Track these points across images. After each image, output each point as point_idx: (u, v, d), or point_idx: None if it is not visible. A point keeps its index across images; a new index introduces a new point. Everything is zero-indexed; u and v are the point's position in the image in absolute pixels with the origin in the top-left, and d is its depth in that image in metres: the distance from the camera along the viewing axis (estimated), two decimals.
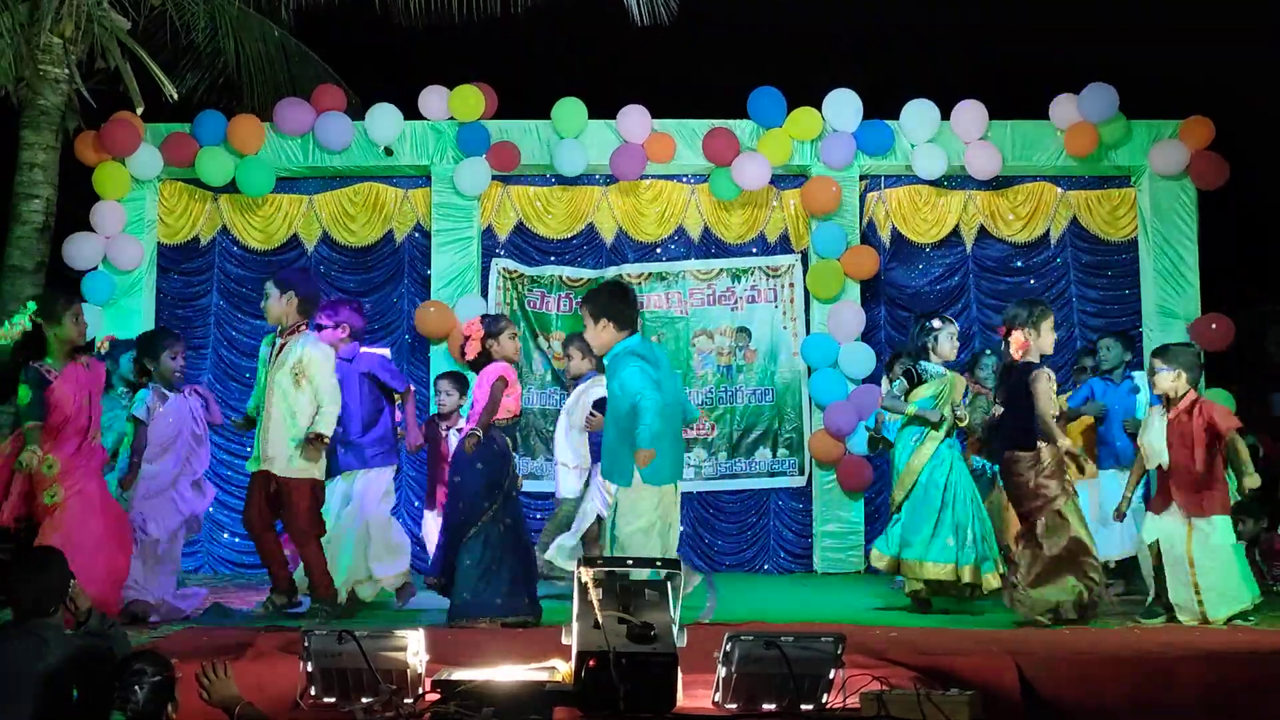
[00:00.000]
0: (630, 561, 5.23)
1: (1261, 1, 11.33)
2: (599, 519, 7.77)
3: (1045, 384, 6.68)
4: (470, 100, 9.84)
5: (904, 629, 6.34)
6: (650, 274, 10.20)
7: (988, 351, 8.76)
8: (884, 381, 8.13)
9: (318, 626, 4.93)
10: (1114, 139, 9.85)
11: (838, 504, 9.84)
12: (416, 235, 10.22)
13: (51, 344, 6.41)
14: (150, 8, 9.62)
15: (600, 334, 6.36)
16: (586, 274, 10.16)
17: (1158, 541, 6.87)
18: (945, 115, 9.90)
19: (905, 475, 7.46)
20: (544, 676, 4.85)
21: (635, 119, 9.83)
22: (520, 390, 6.96)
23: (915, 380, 7.46)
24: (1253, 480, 6.75)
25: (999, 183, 10.19)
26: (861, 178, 10.10)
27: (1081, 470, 6.94)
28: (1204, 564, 6.66)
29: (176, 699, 4.10)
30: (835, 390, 9.69)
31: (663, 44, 10.51)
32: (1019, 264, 10.27)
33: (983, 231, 10.28)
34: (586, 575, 4.71)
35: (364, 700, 4.65)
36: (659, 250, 10.29)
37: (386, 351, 7.70)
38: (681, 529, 7.62)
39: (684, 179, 10.26)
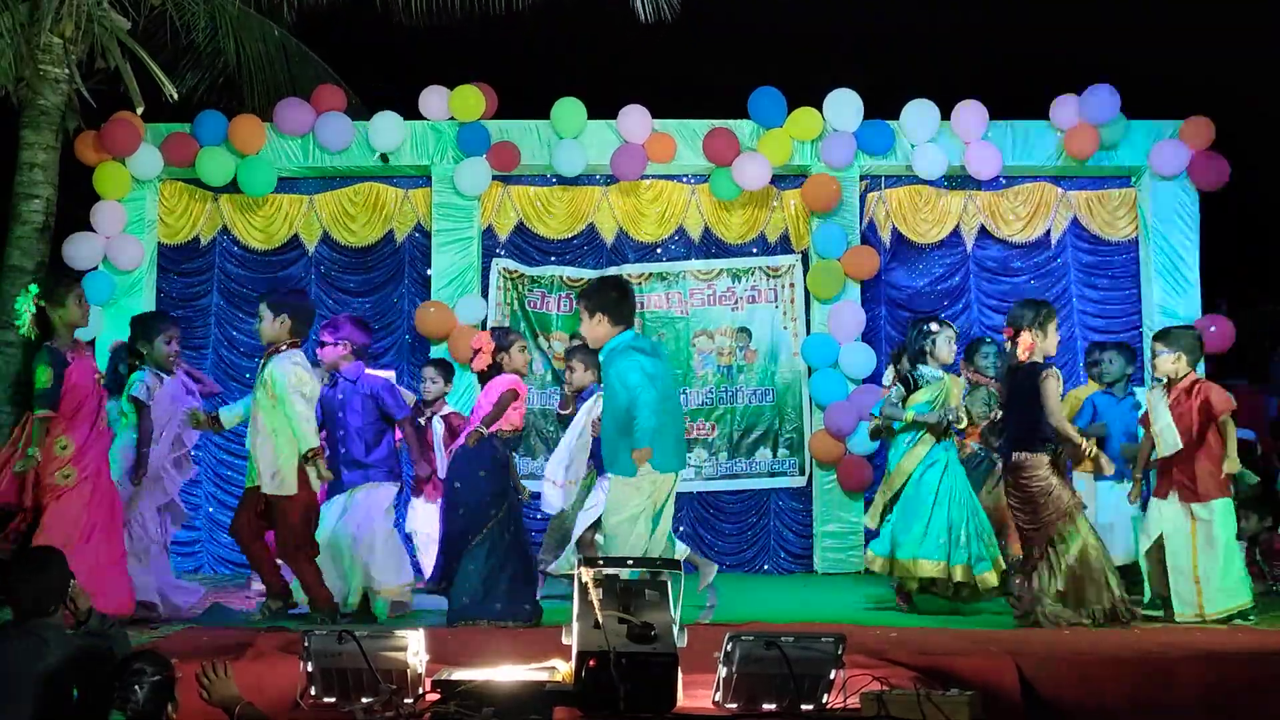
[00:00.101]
0: (630, 561, 5.24)
1: (1261, 1, 11.33)
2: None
3: (1054, 384, 6.67)
4: (470, 100, 9.84)
5: (904, 629, 6.34)
6: (650, 274, 10.20)
7: (986, 339, 8.74)
8: (888, 372, 8.09)
9: (318, 627, 4.93)
10: (1114, 140, 9.85)
11: (838, 504, 9.84)
12: (417, 235, 10.22)
13: (56, 326, 6.44)
14: (150, 8, 9.61)
15: (595, 328, 6.40)
16: (587, 274, 10.15)
17: (1161, 535, 6.90)
18: (946, 115, 9.90)
19: (895, 476, 7.48)
20: (544, 676, 4.85)
21: (636, 119, 9.83)
22: (524, 408, 7.00)
23: (911, 386, 7.46)
24: (1231, 465, 6.79)
25: (999, 183, 10.18)
26: (862, 178, 10.10)
27: (1102, 469, 6.95)
28: (1206, 555, 6.70)
29: (176, 699, 4.10)
30: (835, 390, 9.69)
31: (663, 44, 10.52)
32: (1019, 264, 10.26)
33: (983, 231, 10.27)
34: (587, 575, 4.71)
35: (364, 700, 4.65)
36: (659, 250, 10.29)
37: (391, 375, 7.62)
38: (681, 529, 7.64)
39: (684, 179, 10.26)
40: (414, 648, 4.71)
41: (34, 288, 6.55)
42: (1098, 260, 10.24)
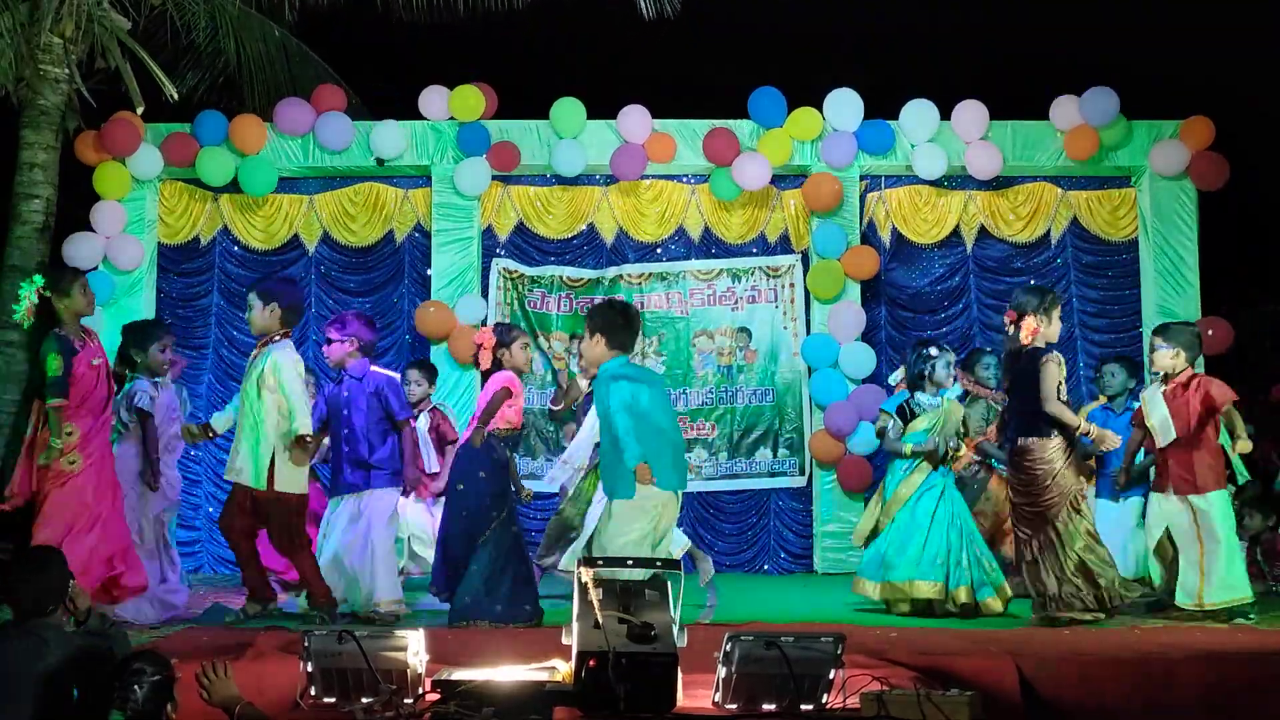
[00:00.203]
0: (630, 562, 5.24)
1: (1261, 1, 11.33)
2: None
3: (1054, 368, 6.66)
4: (470, 100, 9.84)
5: (904, 629, 6.35)
6: (650, 274, 10.20)
7: (986, 349, 8.74)
8: (898, 372, 8.06)
9: (318, 627, 4.93)
10: (1114, 140, 9.85)
11: (838, 504, 9.83)
12: (417, 235, 10.22)
13: (63, 316, 6.47)
14: (150, 8, 9.60)
15: (592, 348, 6.42)
16: (587, 274, 10.16)
17: (1167, 531, 6.92)
18: (946, 115, 9.90)
19: (891, 503, 7.42)
20: (544, 676, 4.85)
21: (635, 119, 9.83)
22: (523, 405, 6.94)
23: (909, 417, 7.46)
24: (1244, 445, 6.80)
25: (999, 183, 10.18)
26: (862, 178, 10.10)
27: (1103, 443, 6.92)
28: (1209, 547, 6.73)
29: (176, 699, 4.10)
30: (836, 390, 9.69)
31: (663, 44, 10.52)
32: (1019, 264, 10.26)
33: (983, 232, 10.27)
34: (587, 575, 4.71)
35: (364, 700, 4.65)
36: (659, 250, 10.28)
37: (396, 375, 7.55)
38: (682, 529, 7.62)
39: (684, 179, 10.26)
40: (414, 648, 4.71)
41: (38, 278, 6.58)
42: (1098, 260, 10.24)
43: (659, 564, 5.24)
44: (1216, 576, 6.72)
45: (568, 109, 9.85)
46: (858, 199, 10.04)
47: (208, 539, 9.92)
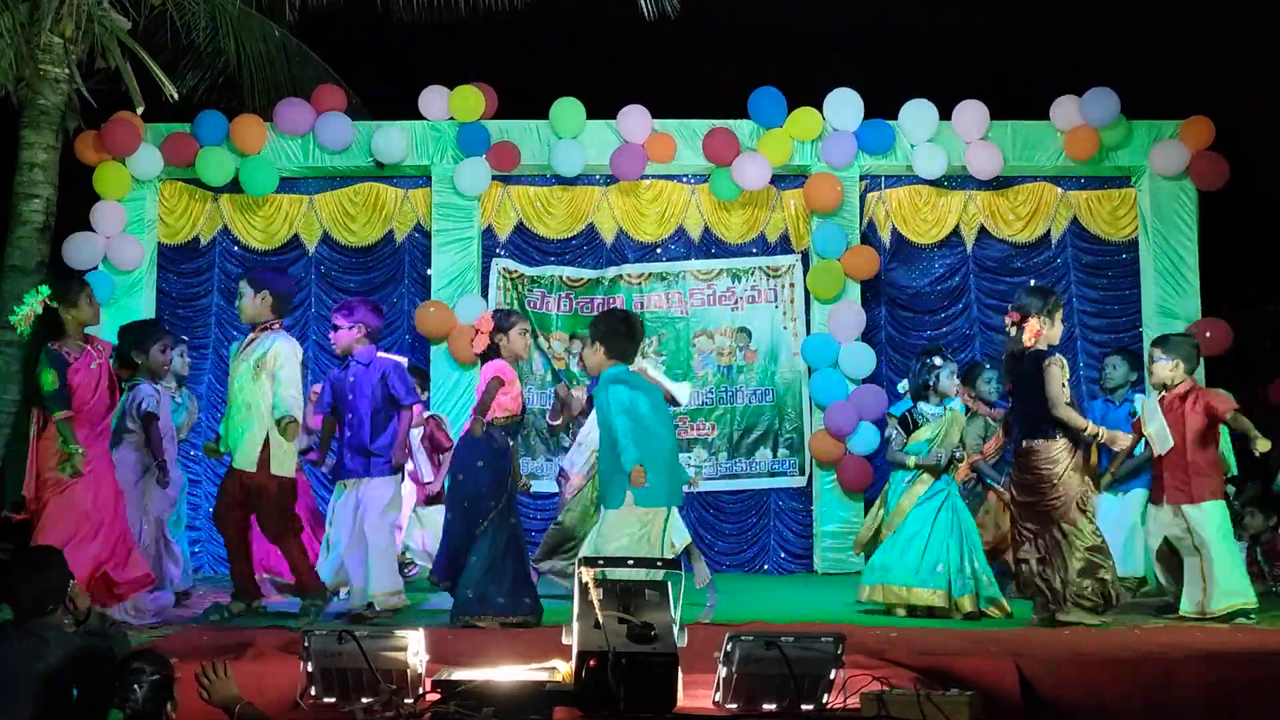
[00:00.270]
0: (630, 561, 5.24)
1: (1261, 1, 11.32)
2: None
3: (1058, 371, 6.62)
4: (470, 100, 9.84)
5: (904, 629, 6.34)
6: (650, 274, 10.20)
7: (986, 364, 8.69)
8: (907, 381, 8.04)
9: (318, 627, 4.92)
10: (1114, 141, 9.85)
11: (838, 504, 9.83)
12: (417, 235, 10.22)
13: (69, 326, 6.48)
14: (150, 8, 9.61)
15: (593, 355, 6.48)
16: (587, 274, 10.16)
17: (1167, 540, 6.93)
18: (946, 115, 9.90)
19: (894, 515, 7.38)
20: (544, 676, 4.85)
21: (635, 119, 9.83)
22: (520, 390, 6.85)
23: (912, 426, 7.44)
24: (1264, 444, 6.75)
25: (999, 183, 10.19)
26: (862, 178, 10.10)
27: (1116, 442, 6.90)
28: (1207, 555, 6.74)
29: (176, 698, 4.10)
30: (835, 390, 9.68)
31: (663, 44, 10.51)
32: (1019, 264, 10.26)
33: (983, 232, 10.27)
34: (587, 575, 4.71)
35: (364, 700, 4.65)
36: (659, 250, 10.29)
37: (404, 360, 7.51)
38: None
39: (684, 179, 10.26)
40: (414, 648, 4.71)
41: (44, 288, 6.57)
42: (1098, 260, 10.24)
43: (659, 564, 5.24)
44: (1216, 585, 6.73)
45: (567, 109, 9.85)
46: (858, 199, 10.05)
47: (208, 539, 9.92)
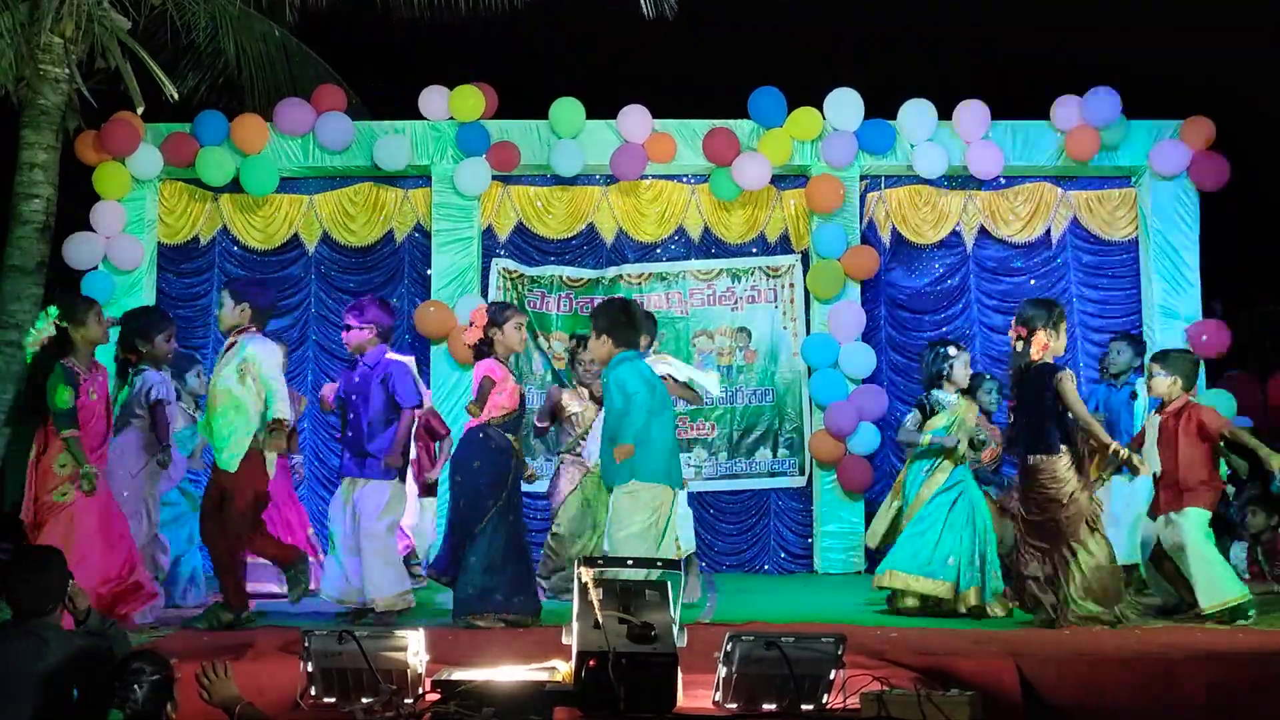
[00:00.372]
0: (630, 561, 5.24)
1: (1261, 1, 11.32)
2: None
3: (1071, 384, 6.59)
4: (470, 100, 9.84)
5: (904, 629, 6.34)
6: (650, 274, 10.20)
7: (989, 376, 8.67)
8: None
9: (318, 627, 4.92)
10: (1115, 141, 9.85)
11: (838, 504, 9.83)
12: (417, 235, 10.22)
13: (78, 346, 6.49)
14: (151, 7, 9.60)
15: (600, 347, 6.50)
16: (587, 274, 10.16)
17: (1161, 547, 6.94)
18: (947, 115, 9.89)
19: (914, 506, 7.39)
20: (544, 676, 4.85)
21: (636, 119, 9.83)
22: (514, 386, 6.77)
23: (928, 412, 7.45)
24: (1274, 459, 6.75)
25: (999, 183, 10.18)
26: (862, 178, 10.09)
27: (1136, 470, 6.91)
28: (1183, 557, 6.74)
29: (175, 698, 4.10)
30: (835, 390, 9.68)
31: (663, 44, 10.51)
32: (1019, 264, 10.26)
33: (983, 232, 10.27)
34: (587, 575, 4.71)
35: (364, 700, 4.65)
36: (659, 250, 10.28)
37: (410, 360, 7.40)
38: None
39: (684, 179, 10.26)
40: (414, 648, 4.71)
41: (54, 310, 6.57)
42: (1098, 260, 10.24)
43: (659, 564, 5.24)
44: (1199, 584, 6.73)
45: (566, 109, 9.85)
46: (858, 199, 10.04)
47: None
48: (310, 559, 7.13)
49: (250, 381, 6.59)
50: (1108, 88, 9.75)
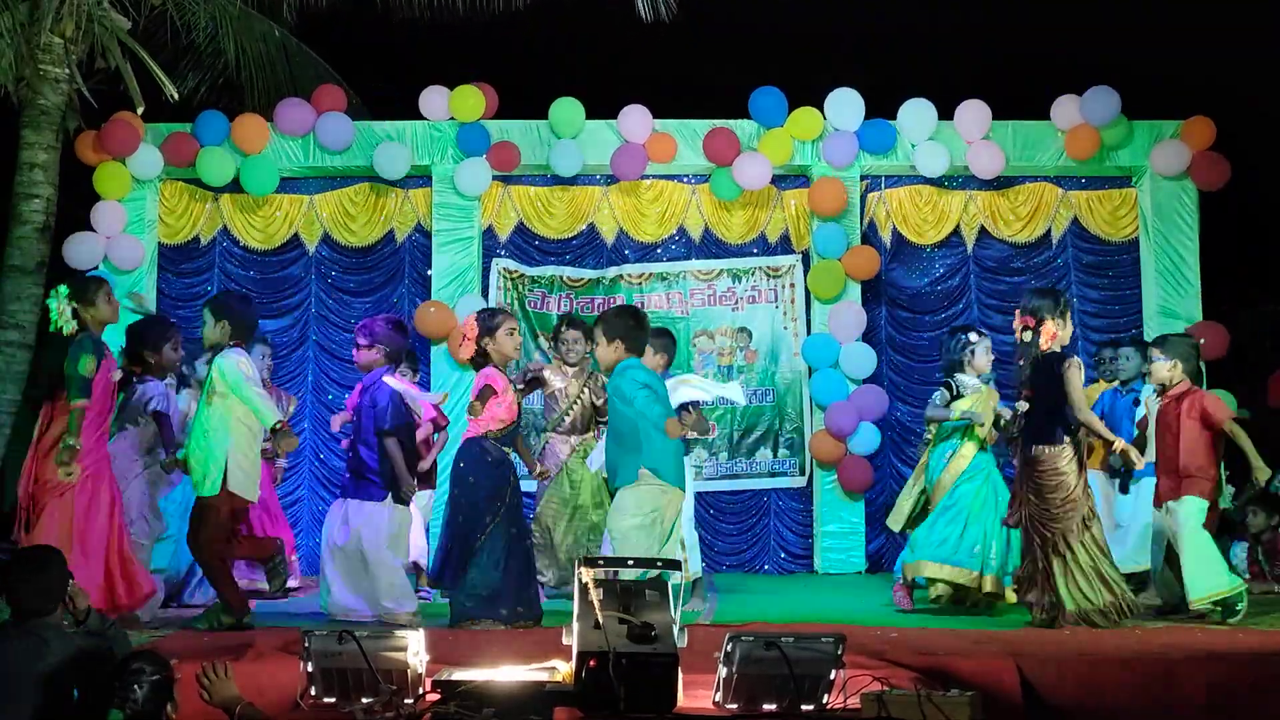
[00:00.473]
0: (631, 562, 5.24)
1: (1262, 1, 11.32)
2: None
3: (1077, 374, 6.52)
4: (470, 100, 9.84)
5: (904, 629, 6.34)
6: (651, 274, 10.20)
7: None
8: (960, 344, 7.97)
9: (318, 627, 4.92)
10: (1115, 140, 9.85)
11: (839, 504, 9.84)
12: (417, 235, 10.23)
13: (89, 325, 6.49)
14: (151, 7, 9.60)
15: (611, 352, 6.45)
16: (587, 274, 10.16)
17: (1168, 543, 6.95)
18: (947, 115, 9.89)
19: (936, 491, 7.40)
20: (544, 677, 4.84)
21: (636, 119, 9.83)
22: (513, 398, 6.73)
23: (955, 393, 7.45)
24: (1262, 472, 6.76)
25: (1000, 183, 10.18)
26: (863, 178, 10.09)
27: (1132, 466, 6.89)
28: (1178, 545, 6.74)
29: (176, 698, 4.10)
30: (836, 391, 9.68)
31: (664, 44, 10.50)
32: (1020, 264, 10.26)
33: (983, 232, 10.27)
34: (587, 575, 4.71)
35: (364, 700, 4.65)
36: (660, 250, 10.29)
37: (408, 389, 7.20)
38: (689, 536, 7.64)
39: (685, 179, 10.26)
40: (414, 648, 4.71)
41: (64, 289, 6.56)
42: (1098, 260, 10.24)
43: (659, 564, 5.23)
44: (1187, 575, 6.73)
45: (566, 109, 9.85)
46: (858, 199, 10.04)
47: None
48: (286, 551, 7.12)
49: (217, 400, 6.49)
50: (1107, 87, 9.75)
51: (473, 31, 10.28)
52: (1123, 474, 7.84)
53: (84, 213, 9.69)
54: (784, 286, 10.14)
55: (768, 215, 10.20)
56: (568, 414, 7.97)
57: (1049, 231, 10.24)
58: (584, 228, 10.23)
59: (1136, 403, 7.93)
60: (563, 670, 4.85)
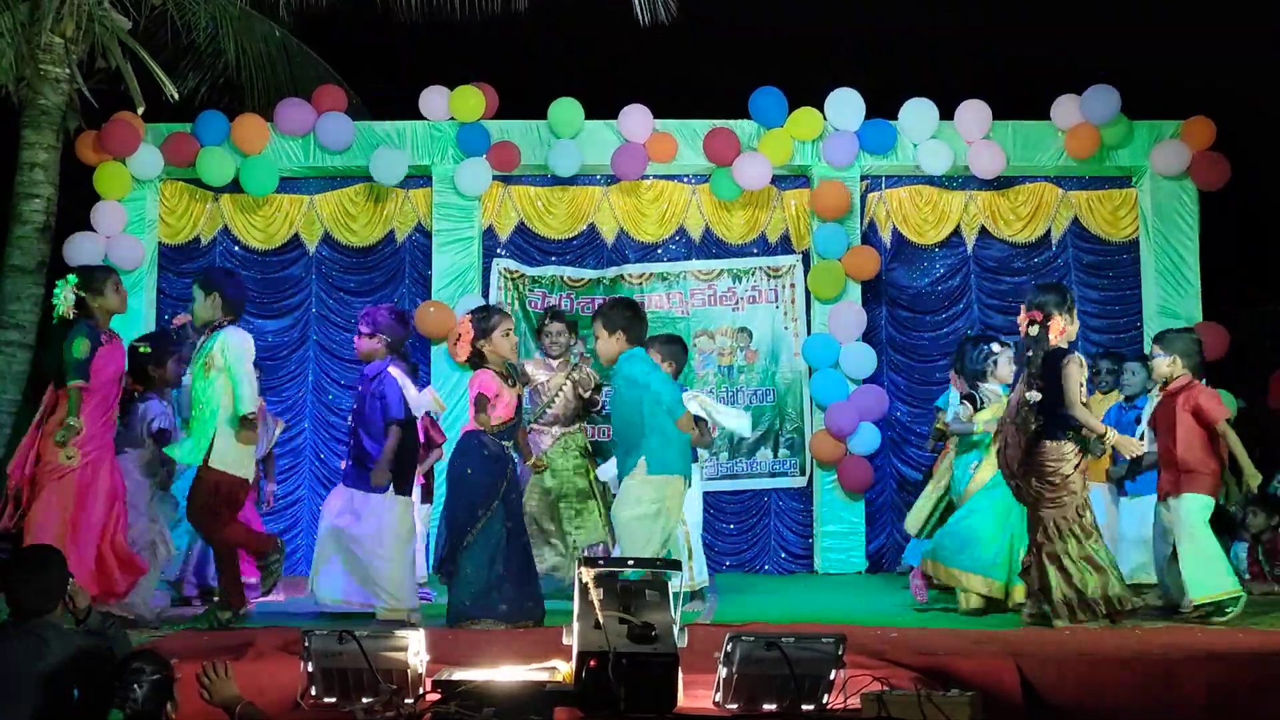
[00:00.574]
0: (631, 562, 5.24)
1: (1261, 2, 11.32)
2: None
3: (1076, 370, 6.49)
4: (470, 100, 9.84)
5: (904, 629, 6.34)
6: (651, 274, 10.20)
7: None
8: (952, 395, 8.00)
9: (319, 627, 4.91)
10: (1115, 140, 9.85)
11: (839, 504, 9.84)
12: (417, 235, 10.23)
13: (96, 314, 6.49)
14: (151, 7, 9.62)
15: (613, 344, 6.43)
16: (588, 274, 10.16)
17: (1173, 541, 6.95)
18: (947, 115, 9.89)
19: (963, 500, 7.41)
20: (544, 677, 4.84)
21: (636, 119, 9.84)
22: (509, 396, 6.69)
23: (978, 405, 7.46)
24: (1254, 478, 6.76)
25: (1000, 183, 10.19)
26: (863, 178, 10.10)
27: (1129, 450, 6.85)
28: (1179, 545, 6.73)
29: (176, 698, 4.10)
30: (836, 391, 9.68)
31: (664, 44, 10.51)
32: (1020, 264, 10.26)
33: (984, 232, 10.27)
34: (587, 575, 4.70)
35: (364, 700, 4.64)
36: (660, 250, 10.29)
37: (404, 380, 7.11)
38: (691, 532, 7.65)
39: (685, 179, 10.26)
40: (414, 648, 4.70)
41: (72, 278, 6.57)
42: (1098, 260, 10.24)
43: (659, 564, 5.23)
44: (1185, 575, 6.73)
45: (566, 109, 9.85)
46: (859, 199, 10.04)
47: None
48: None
49: (215, 374, 6.50)
50: (1107, 86, 9.75)
51: (472, 31, 10.29)
52: (1127, 466, 7.78)
53: (84, 213, 9.69)
54: (784, 286, 10.14)
55: (768, 215, 10.20)
56: (549, 406, 8.04)
57: (1049, 231, 10.24)
58: (584, 228, 10.23)
59: (1139, 420, 7.82)
60: (563, 670, 4.85)
